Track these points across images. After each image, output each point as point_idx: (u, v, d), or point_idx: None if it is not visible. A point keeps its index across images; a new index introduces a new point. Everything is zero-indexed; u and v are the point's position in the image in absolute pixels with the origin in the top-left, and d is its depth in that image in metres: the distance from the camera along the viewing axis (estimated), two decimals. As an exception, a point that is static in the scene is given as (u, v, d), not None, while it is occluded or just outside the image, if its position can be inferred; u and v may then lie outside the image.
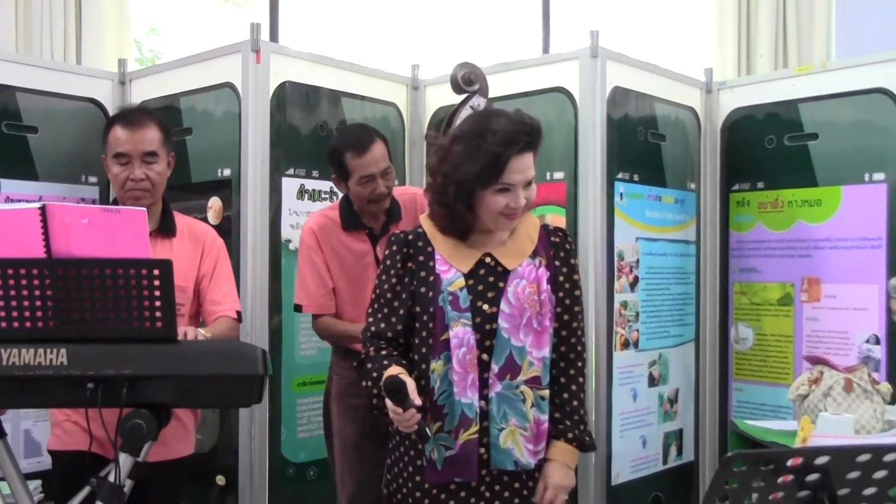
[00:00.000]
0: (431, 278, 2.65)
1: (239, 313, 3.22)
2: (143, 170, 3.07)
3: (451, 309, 2.60)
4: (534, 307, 2.63)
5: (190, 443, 3.19)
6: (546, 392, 2.65)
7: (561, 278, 2.73)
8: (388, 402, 2.47)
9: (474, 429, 2.57)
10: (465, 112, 3.40)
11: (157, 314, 2.32)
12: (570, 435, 2.70)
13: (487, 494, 2.63)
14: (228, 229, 3.77)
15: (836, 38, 5.97)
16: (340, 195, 3.57)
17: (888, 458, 1.77)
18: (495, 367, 2.60)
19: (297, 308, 3.55)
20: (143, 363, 2.33)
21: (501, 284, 2.64)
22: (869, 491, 1.79)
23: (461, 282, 2.62)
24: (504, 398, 2.60)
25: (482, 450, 2.60)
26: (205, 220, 3.77)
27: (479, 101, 3.47)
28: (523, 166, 2.59)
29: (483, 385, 2.60)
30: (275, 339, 3.80)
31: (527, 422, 2.61)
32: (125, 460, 2.37)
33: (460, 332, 2.58)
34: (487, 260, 2.67)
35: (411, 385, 2.48)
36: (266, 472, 3.76)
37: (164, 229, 3.15)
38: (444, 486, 2.62)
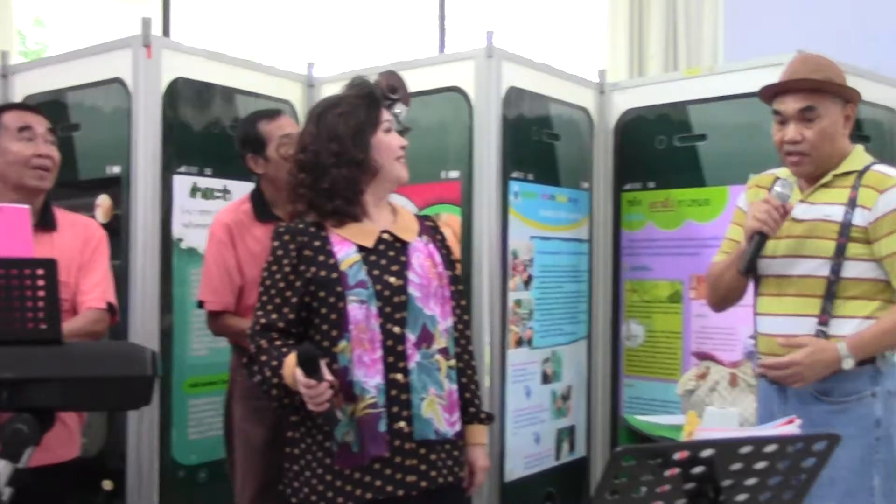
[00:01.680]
0: (332, 260, 2.64)
1: (111, 305, 3.13)
2: (47, 148, 3.00)
3: (344, 286, 2.61)
4: (436, 279, 2.71)
5: (74, 446, 3.10)
6: (454, 362, 2.73)
7: (444, 258, 2.81)
8: (300, 377, 2.45)
9: (370, 401, 2.57)
10: None
11: (41, 315, 2.26)
12: (483, 415, 2.84)
13: (406, 464, 2.62)
14: (118, 228, 3.69)
15: (724, 43, 6.11)
16: (233, 195, 3.54)
17: (768, 449, 1.81)
18: (412, 338, 2.63)
19: (200, 304, 3.49)
20: (25, 366, 2.26)
21: (403, 258, 2.69)
22: (751, 481, 1.84)
23: (353, 258, 2.64)
24: (423, 368, 2.64)
25: (403, 423, 2.60)
26: (93, 218, 3.69)
27: (400, 109, 3.45)
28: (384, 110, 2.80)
29: (400, 357, 2.62)
30: (165, 340, 3.73)
31: (443, 391, 2.67)
32: (5, 467, 2.30)
33: (354, 309, 2.59)
34: (385, 236, 2.72)
35: (323, 362, 2.49)
36: (155, 476, 3.68)
37: (44, 223, 3.05)
38: (360, 466, 2.60)
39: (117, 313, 3.21)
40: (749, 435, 2.36)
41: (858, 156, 2.91)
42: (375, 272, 2.64)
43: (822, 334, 2.76)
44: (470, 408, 2.80)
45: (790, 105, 2.84)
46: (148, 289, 3.67)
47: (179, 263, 3.77)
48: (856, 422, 2.75)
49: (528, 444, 4.11)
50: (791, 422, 2.53)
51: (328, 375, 2.49)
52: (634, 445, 2.92)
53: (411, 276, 2.67)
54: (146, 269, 3.67)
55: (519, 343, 4.04)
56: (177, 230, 3.78)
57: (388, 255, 2.69)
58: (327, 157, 2.68)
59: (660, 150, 4.36)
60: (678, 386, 3.88)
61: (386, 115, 2.76)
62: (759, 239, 2.77)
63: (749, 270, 2.81)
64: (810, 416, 2.69)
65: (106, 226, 3.55)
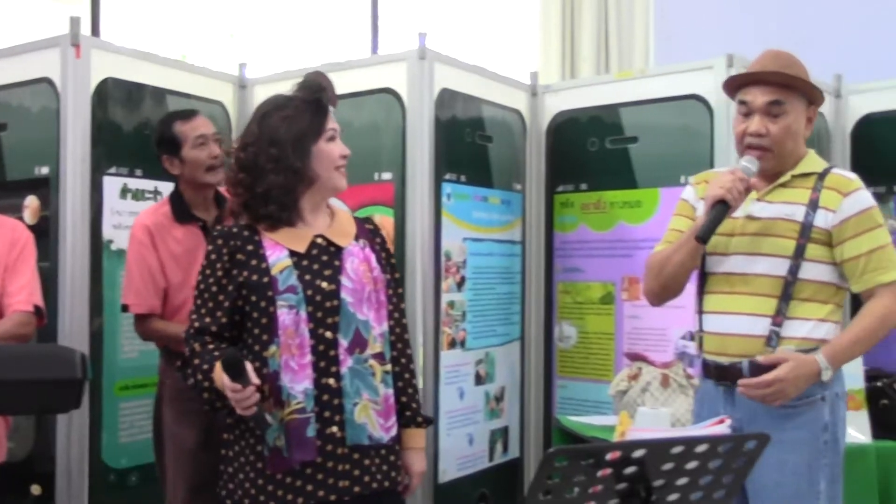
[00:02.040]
0: (264, 265, 2.62)
1: (38, 308, 3.09)
2: None
3: (274, 291, 2.59)
4: (370, 284, 2.68)
5: (0, 450, 3.06)
6: (389, 367, 2.70)
7: (382, 262, 2.79)
8: (226, 381, 2.44)
9: (297, 406, 2.55)
10: None
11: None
12: (419, 419, 2.81)
13: (339, 469, 2.60)
14: (46, 229, 3.64)
15: (655, 46, 6.17)
16: (164, 196, 3.50)
17: (699, 449, 1.83)
18: (344, 343, 2.61)
19: (125, 308, 3.46)
20: (-50, 369, 2.23)
21: (337, 262, 2.66)
22: (682, 481, 1.85)
23: (284, 262, 2.62)
24: (356, 373, 2.62)
25: (335, 428, 2.59)
26: (20, 219, 3.62)
27: None
28: (334, 117, 2.76)
29: (332, 362, 2.60)
30: (95, 342, 3.68)
31: (377, 396, 2.64)
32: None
33: (284, 314, 2.58)
34: (319, 241, 2.69)
35: (249, 366, 2.47)
36: (85, 480, 3.64)
37: None
38: (291, 470, 2.58)
39: (44, 316, 3.17)
40: (680, 435, 2.39)
41: (816, 159, 2.90)
42: (307, 277, 2.62)
43: (774, 335, 2.73)
44: (406, 411, 2.78)
45: (758, 97, 2.78)
46: (77, 291, 3.62)
47: (110, 265, 3.73)
48: (805, 426, 2.73)
49: (461, 446, 4.11)
50: (722, 422, 2.56)
51: (255, 379, 2.47)
52: (567, 446, 2.94)
53: (344, 280, 2.64)
54: (75, 270, 3.62)
55: (452, 344, 4.05)
56: (107, 232, 3.74)
57: (320, 260, 2.66)
58: (265, 160, 2.65)
59: (592, 153, 4.39)
60: (610, 387, 3.91)
61: (331, 122, 2.72)
62: (721, 208, 2.69)
63: (706, 238, 2.71)
64: (760, 421, 2.68)
65: (34, 227, 3.51)
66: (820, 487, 2.74)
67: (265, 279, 2.61)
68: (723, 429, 2.62)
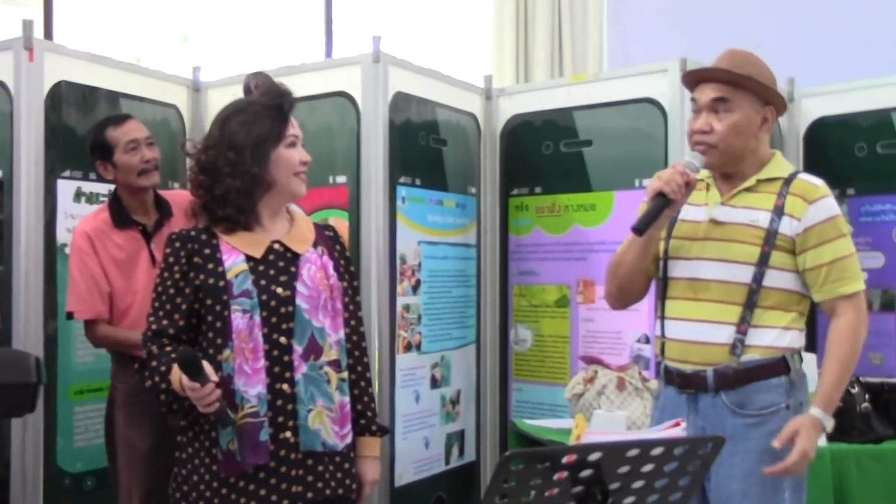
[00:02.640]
0: (220, 269, 2.62)
1: None
2: None
3: (229, 295, 2.59)
4: (327, 291, 2.68)
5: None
6: (345, 375, 2.70)
7: (341, 270, 2.79)
8: (185, 381, 2.43)
9: (250, 410, 2.54)
10: None
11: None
12: (374, 427, 2.80)
13: (292, 475, 2.59)
14: (0, 233, 3.61)
15: (608, 50, 6.19)
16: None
17: (655, 452, 1.84)
18: (298, 349, 2.61)
19: (70, 315, 3.44)
20: None
21: (293, 269, 2.66)
22: (637, 484, 1.86)
23: (240, 267, 2.61)
24: (310, 379, 2.61)
25: (289, 433, 2.58)
26: (-29, 223, 3.61)
27: None
28: (296, 123, 2.75)
29: (286, 368, 2.59)
30: (50, 346, 3.66)
31: (332, 403, 2.64)
32: None
33: (237, 318, 2.57)
34: (276, 246, 2.68)
35: (206, 364, 2.47)
36: (40, 484, 3.62)
37: None
38: (245, 474, 2.57)
39: None
40: (636, 438, 2.39)
41: (781, 162, 2.86)
42: (263, 282, 2.62)
43: (739, 343, 2.70)
44: (361, 419, 2.77)
45: (705, 94, 2.76)
46: (31, 294, 3.60)
47: (64, 269, 3.69)
48: (771, 435, 2.67)
49: (417, 449, 4.11)
50: (677, 424, 2.57)
51: (213, 376, 2.47)
52: (523, 449, 2.93)
53: (300, 287, 2.64)
54: (29, 274, 3.60)
55: (408, 348, 4.04)
56: (61, 235, 3.72)
57: (277, 266, 2.66)
58: (224, 164, 2.64)
59: (546, 156, 4.40)
60: (566, 390, 3.92)
61: (293, 129, 2.71)
62: (660, 200, 2.66)
63: (642, 230, 2.68)
64: (726, 429, 2.66)
65: (-13, 231, 3.48)
66: (785, 496, 2.74)
67: (221, 283, 2.60)
68: (678, 431, 2.63)
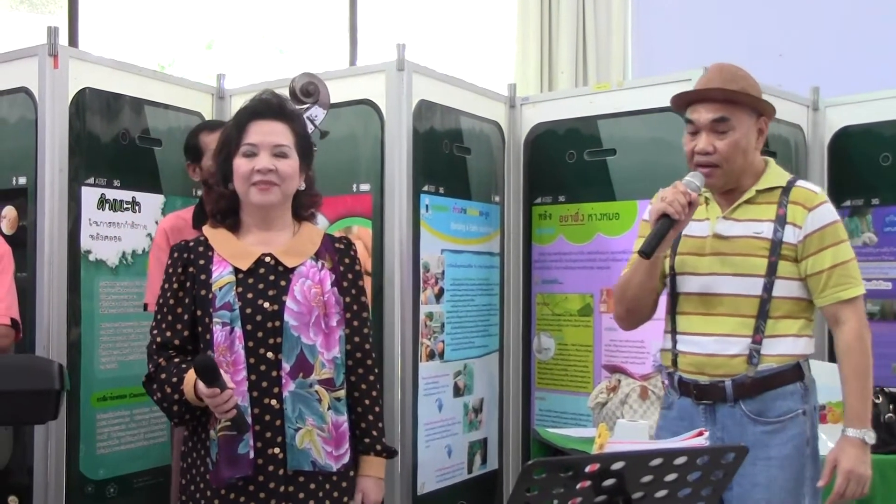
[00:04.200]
0: (210, 280, 2.62)
1: (15, 321, 3.11)
2: None
3: (212, 307, 2.58)
4: (320, 307, 2.62)
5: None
6: (341, 394, 2.65)
7: (346, 284, 2.73)
8: (202, 388, 2.43)
9: (227, 423, 2.51)
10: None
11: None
12: (378, 447, 2.74)
13: (281, 491, 2.57)
14: (24, 239, 3.63)
15: (632, 59, 6.19)
16: (142, 207, 3.53)
17: (678, 461, 1.84)
18: (286, 366, 2.57)
19: (145, 307, 3.53)
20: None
21: (284, 283, 2.62)
22: (661, 493, 1.86)
23: (225, 279, 2.60)
24: (299, 397, 2.57)
25: (277, 449, 2.56)
26: (-3, 230, 3.63)
27: (316, 113, 3.41)
28: (267, 130, 2.65)
29: (274, 383, 2.57)
30: (73, 353, 3.67)
31: (324, 423, 2.59)
32: None
33: (217, 331, 2.56)
34: (267, 259, 2.65)
35: (223, 372, 2.46)
36: (63, 491, 3.62)
37: None
38: (234, 486, 2.56)
39: (21, 330, 3.16)
40: (659, 447, 2.39)
41: (777, 171, 2.89)
42: (249, 295, 2.59)
43: (756, 353, 2.73)
44: (365, 439, 2.73)
45: (703, 115, 2.79)
46: (55, 301, 3.61)
47: (87, 276, 3.72)
48: (790, 441, 2.73)
49: (440, 458, 4.11)
50: (700, 434, 2.56)
51: (230, 382, 2.47)
52: (546, 458, 2.94)
53: (289, 302, 2.59)
54: (53, 281, 3.61)
55: (430, 356, 4.04)
56: (84, 242, 3.73)
57: (266, 279, 2.62)
58: (216, 166, 2.73)
59: (570, 164, 4.40)
60: (589, 399, 3.91)
61: (252, 135, 2.64)
62: (665, 221, 2.69)
63: (650, 253, 2.70)
64: (746, 438, 2.68)
65: (12, 237, 3.51)
66: (805, 502, 2.76)
67: (209, 295, 2.60)
68: (701, 441, 2.62)
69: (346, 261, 2.77)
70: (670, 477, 1.85)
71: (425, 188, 4.02)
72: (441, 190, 4.11)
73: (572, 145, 4.40)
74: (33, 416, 2.56)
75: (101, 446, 3.79)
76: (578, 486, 1.80)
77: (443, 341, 4.11)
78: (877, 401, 3.71)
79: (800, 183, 2.85)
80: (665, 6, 6.21)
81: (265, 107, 2.69)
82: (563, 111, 4.49)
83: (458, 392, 4.21)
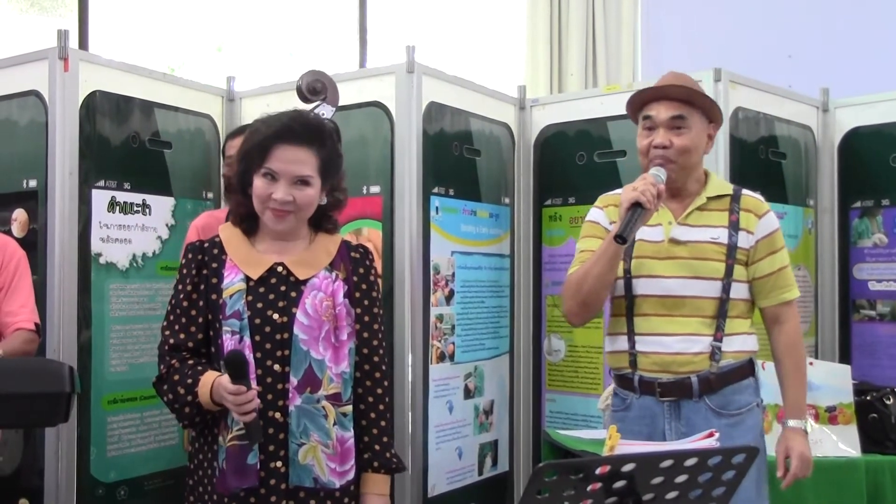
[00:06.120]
0: (222, 286, 2.60)
1: (38, 325, 3.13)
2: None
3: (222, 315, 2.56)
4: (331, 321, 2.59)
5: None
6: (348, 409, 2.61)
7: (358, 294, 2.70)
8: (227, 383, 2.41)
9: (238, 432, 2.49)
10: None
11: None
12: (376, 463, 2.67)
13: None
14: (34, 242, 3.64)
15: (641, 60, 6.19)
16: (152, 210, 3.54)
17: (688, 462, 1.84)
18: (294, 380, 2.54)
19: None
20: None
21: (294, 294, 2.60)
22: (671, 495, 1.86)
23: (237, 287, 2.58)
24: (304, 412, 2.54)
25: (279, 463, 2.54)
26: (8, 232, 3.63)
27: (324, 111, 3.40)
28: (291, 157, 2.58)
29: (280, 397, 2.54)
30: (84, 355, 3.67)
31: (329, 439, 2.56)
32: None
33: (227, 339, 2.54)
34: (279, 269, 2.63)
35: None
36: (74, 494, 3.62)
37: None
38: (237, 497, 2.54)
39: (41, 333, 3.18)
40: (669, 449, 2.39)
41: (718, 180, 3.10)
42: (259, 305, 2.57)
43: (717, 350, 2.89)
44: (366, 454, 2.66)
45: (662, 112, 2.94)
46: (66, 304, 3.61)
47: (98, 278, 3.72)
48: (750, 432, 2.92)
49: (450, 460, 4.11)
50: (710, 435, 2.57)
51: (255, 384, 2.46)
52: (557, 460, 2.93)
53: (300, 315, 2.57)
54: (64, 283, 3.61)
55: (441, 358, 4.04)
56: (95, 245, 3.73)
57: (277, 290, 2.60)
58: (234, 171, 2.70)
59: (580, 166, 4.40)
60: (600, 400, 3.91)
61: (274, 161, 2.57)
62: (638, 210, 2.79)
63: (626, 237, 2.79)
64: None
65: (22, 240, 3.52)
66: (763, 491, 2.97)
67: (219, 300, 2.58)
68: (711, 442, 2.62)
69: (361, 271, 2.73)
70: (681, 478, 1.85)
71: (435, 190, 4.02)
72: (451, 192, 4.11)
73: (582, 147, 4.40)
74: (44, 419, 2.56)
75: (112, 449, 3.79)
76: (589, 488, 1.80)
77: (453, 343, 4.11)
78: (888, 402, 3.72)
79: (745, 192, 3.04)
80: (675, 7, 6.21)
81: (290, 133, 2.60)
82: (572, 113, 4.49)
83: (468, 394, 4.21)
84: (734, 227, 2.95)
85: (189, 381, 2.55)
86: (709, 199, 2.99)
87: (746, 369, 2.97)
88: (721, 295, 2.91)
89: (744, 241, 2.95)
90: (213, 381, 2.49)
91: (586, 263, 2.97)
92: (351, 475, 2.61)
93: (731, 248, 2.93)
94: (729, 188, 3.04)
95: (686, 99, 2.94)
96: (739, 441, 2.79)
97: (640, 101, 3.02)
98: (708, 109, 2.98)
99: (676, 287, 2.93)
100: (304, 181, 2.59)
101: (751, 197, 3.02)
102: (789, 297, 3.01)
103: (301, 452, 2.54)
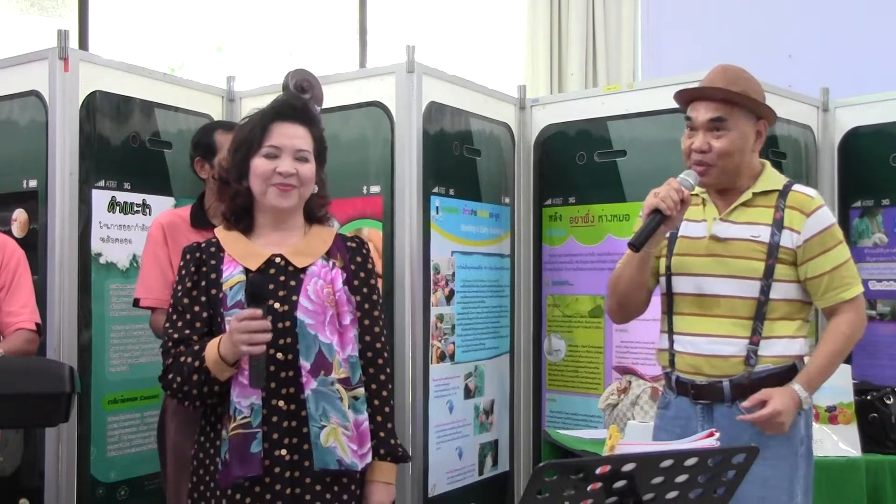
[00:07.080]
0: (221, 280, 2.61)
1: (38, 325, 3.13)
2: None
3: (223, 307, 2.57)
4: (333, 307, 2.61)
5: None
6: (359, 392, 2.61)
7: (357, 283, 2.71)
8: (242, 312, 2.44)
9: (242, 421, 2.49)
10: None
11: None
12: (382, 451, 2.67)
13: (288, 493, 2.54)
14: (34, 242, 3.64)
15: (642, 60, 6.19)
16: (153, 210, 3.52)
17: (688, 462, 1.84)
18: (306, 364, 2.54)
19: (136, 302, 3.45)
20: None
21: (293, 283, 2.61)
22: (671, 494, 1.86)
23: (236, 279, 2.59)
24: (322, 395, 2.54)
25: (284, 451, 2.53)
26: (8, 232, 3.64)
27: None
28: (291, 133, 2.65)
29: (289, 384, 2.54)
30: (84, 356, 3.67)
31: (347, 421, 2.56)
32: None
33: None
34: (277, 260, 2.64)
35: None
36: (74, 494, 3.63)
37: None
38: (240, 487, 2.53)
39: (42, 332, 3.18)
40: (670, 449, 2.39)
41: (773, 174, 2.91)
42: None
43: (753, 354, 2.76)
44: (371, 441, 2.63)
45: (701, 114, 2.82)
46: (66, 304, 3.61)
47: (98, 278, 3.73)
48: (785, 441, 2.75)
49: (451, 459, 4.11)
50: (711, 435, 2.56)
51: (255, 382, 2.46)
52: (557, 460, 2.93)
53: (303, 301, 2.57)
54: (64, 283, 3.61)
55: (441, 358, 4.04)
56: (95, 245, 3.74)
57: (277, 280, 2.61)
58: (223, 171, 2.74)
59: (580, 166, 4.40)
60: (600, 400, 3.91)
61: (275, 137, 2.63)
62: (656, 216, 2.71)
63: (638, 246, 2.72)
64: (742, 438, 2.69)
65: (22, 240, 3.52)
66: (798, 500, 2.79)
67: (220, 294, 2.60)
68: (711, 442, 2.62)
69: (358, 259, 2.75)
70: (681, 478, 1.85)
71: (435, 190, 4.03)
72: (451, 192, 4.11)
73: (582, 147, 4.40)
74: (44, 419, 2.56)
75: (112, 449, 3.80)
76: (589, 488, 1.80)
77: (453, 343, 4.11)
78: (888, 401, 3.72)
79: (796, 187, 2.87)
80: (675, 7, 6.21)
81: (289, 109, 2.69)
82: (573, 113, 4.49)
83: (468, 394, 4.21)
84: (777, 225, 2.79)
85: (196, 347, 2.54)
86: (755, 194, 2.84)
87: (787, 375, 2.79)
88: (759, 296, 2.77)
89: (787, 240, 2.78)
90: (219, 339, 2.50)
91: (619, 265, 2.95)
92: (369, 458, 2.62)
93: (773, 248, 2.77)
94: (779, 183, 2.87)
95: (725, 99, 2.80)
96: (772, 450, 2.69)
97: (685, 99, 2.91)
98: (753, 108, 2.83)
99: (710, 285, 2.82)
100: (304, 157, 2.65)
101: (800, 193, 2.83)
102: (848, 296, 2.81)
103: (323, 435, 2.53)
